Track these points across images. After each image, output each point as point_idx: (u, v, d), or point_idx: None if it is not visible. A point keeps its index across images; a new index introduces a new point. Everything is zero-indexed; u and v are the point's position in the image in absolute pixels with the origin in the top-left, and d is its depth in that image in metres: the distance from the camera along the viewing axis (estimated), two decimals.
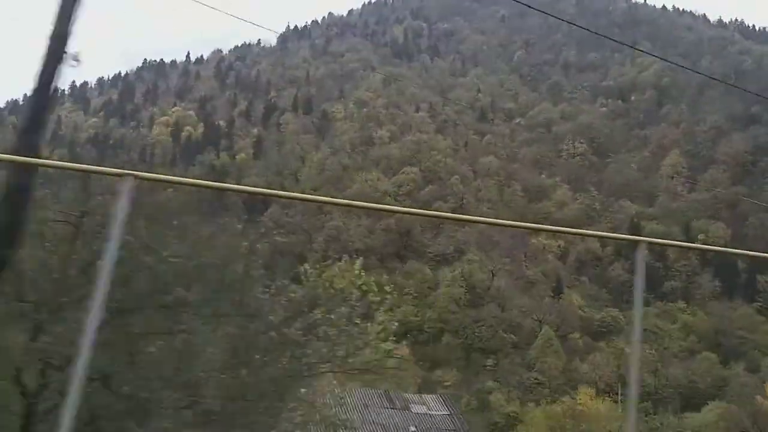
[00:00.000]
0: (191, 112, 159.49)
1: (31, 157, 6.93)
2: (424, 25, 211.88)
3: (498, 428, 65.40)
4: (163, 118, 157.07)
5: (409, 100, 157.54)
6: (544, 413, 56.41)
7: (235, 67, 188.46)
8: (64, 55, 7.73)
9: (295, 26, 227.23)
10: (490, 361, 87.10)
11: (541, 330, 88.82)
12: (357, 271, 11.99)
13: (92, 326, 3.13)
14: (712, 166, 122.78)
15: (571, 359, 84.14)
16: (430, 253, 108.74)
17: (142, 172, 3.68)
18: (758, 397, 58.52)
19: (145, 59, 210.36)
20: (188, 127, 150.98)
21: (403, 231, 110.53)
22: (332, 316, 9.58)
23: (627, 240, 4.00)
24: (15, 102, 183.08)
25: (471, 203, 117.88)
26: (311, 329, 9.42)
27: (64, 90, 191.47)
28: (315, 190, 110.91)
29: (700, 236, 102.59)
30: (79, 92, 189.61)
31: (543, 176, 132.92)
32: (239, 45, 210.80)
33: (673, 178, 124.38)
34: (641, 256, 3.92)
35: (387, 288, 12.04)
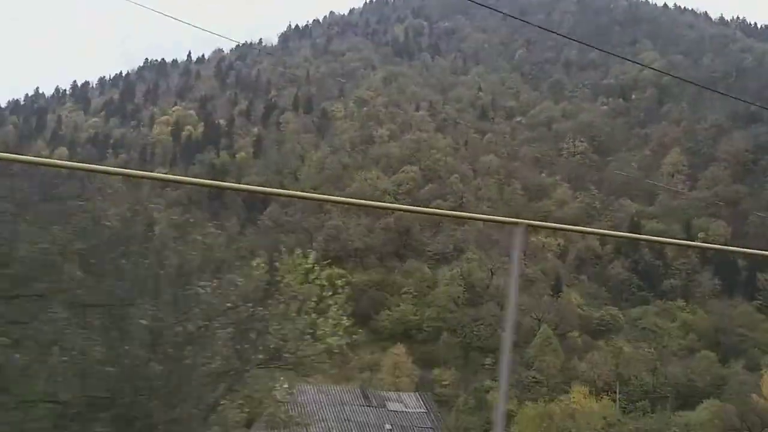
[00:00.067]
0: (192, 112, 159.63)
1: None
2: (425, 23, 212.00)
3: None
4: (164, 118, 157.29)
5: (409, 99, 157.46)
6: (534, 410, 56.02)
7: (235, 67, 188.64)
8: None
9: (297, 26, 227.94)
10: (488, 360, 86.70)
11: (539, 328, 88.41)
12: (310, 265, 11.75)
13: None
14: (713, 164, 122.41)
15: (570, 358, 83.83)
16: (429, 251, 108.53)
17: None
18: (753, 396, 58.29)
19: (146, 59, 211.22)
20: (188, 127, 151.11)
21: (402, 230, 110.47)
22: (268, 311, 9.38)
23: (505, 223, 3.92)
24: (16, 102, 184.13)
25: (471, 202, 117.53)
26: (249, 323, 9.21)
27: (65, 90, 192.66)
28: (315, 189, 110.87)
29: (701, 234, 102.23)
30: (80, 92, 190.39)
31: (543, 175, 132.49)
32: (240, 44, 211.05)
33: (673, 176, 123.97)
34: (519, 236, 4.13)
35: (339, 282, 11.81)
